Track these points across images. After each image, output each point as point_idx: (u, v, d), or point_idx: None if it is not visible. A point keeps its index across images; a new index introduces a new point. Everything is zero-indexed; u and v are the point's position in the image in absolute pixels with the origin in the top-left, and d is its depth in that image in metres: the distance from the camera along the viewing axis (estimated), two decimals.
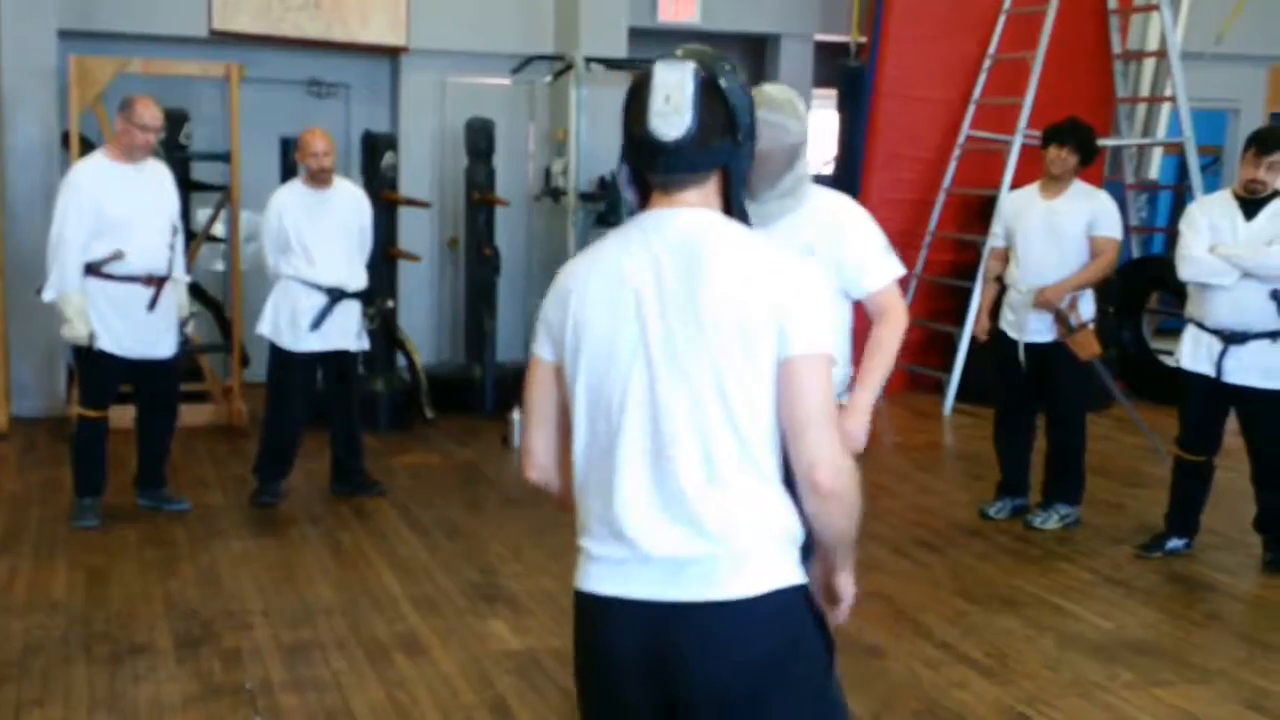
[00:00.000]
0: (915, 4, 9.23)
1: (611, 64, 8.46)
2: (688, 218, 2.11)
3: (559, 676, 4.25)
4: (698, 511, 2.04)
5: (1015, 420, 6.15)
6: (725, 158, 2.11)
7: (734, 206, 2.16)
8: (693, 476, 2.05)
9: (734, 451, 2.05)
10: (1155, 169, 10.02)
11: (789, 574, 2.09)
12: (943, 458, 7.92)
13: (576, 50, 8.42)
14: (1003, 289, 6.14)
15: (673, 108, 2.05)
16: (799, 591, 2.11)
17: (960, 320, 8.73)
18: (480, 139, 8.45)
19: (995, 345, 6.15)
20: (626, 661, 2.10)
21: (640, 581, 2.08)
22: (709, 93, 2.06)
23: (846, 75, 9.20)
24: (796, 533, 2.11)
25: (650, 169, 2.12)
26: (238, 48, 8.22)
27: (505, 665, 4.35)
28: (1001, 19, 9.27)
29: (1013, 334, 6.02)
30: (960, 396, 8.64)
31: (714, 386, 2.04)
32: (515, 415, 7.50)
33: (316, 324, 6.01)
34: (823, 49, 10.01)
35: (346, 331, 6.14)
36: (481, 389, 8.25)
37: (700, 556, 2.05)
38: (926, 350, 9.33)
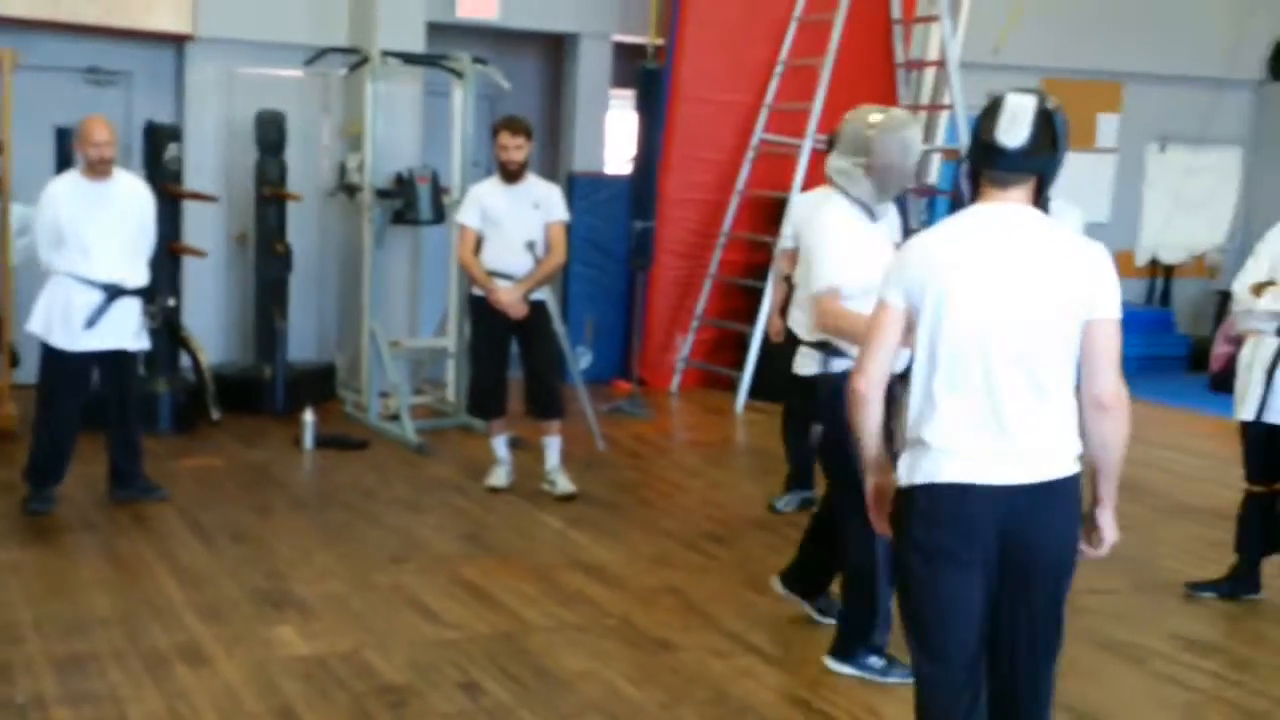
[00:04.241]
0: (711, 8, 9.41)
1: (409, 58, 8.36)
2: (1013, 209, 2.90)
3: (348, 680, 4.19)
4: (1030, 421, 2.85)
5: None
6: (1043, 166, 2.90)
7: (1041, 203, 2.94)
8: (1022, 397, 2.85)
9: (1045, 380, 2.85)
10: (935, 174, 10.45)
11: (1076, 465, 2.92)
12: (734, 453, 8.10)
13: (372, 43, 8.28)
14: (792, 288, 6.30)
15: (1018, 125, 2.85)
16: (1080, 476, 2.94)
17: (752, 319, 8.93)
18: (271, 132, 8.23)
19: (786, 343, 6.31)
20: (985, 529, 2.87)
21: (999, 467, 2.86)
22: (1043, 118, 2.86)
23: (644, 77, 9.30)
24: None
25: (990, 168, 2.90)
26: (11, 32, 7.80)
27: (292, 671, 4.25)
28: (793, 26, 9.52)
29: (800, 333, 6.17)
30: (752, 394, 8.83)
31: (1034, 334, 2.83)
32: (308, 416, 7.34)
33: (92, 322, 5.78)
34: (621, 50, 10.09)
35: (124, 330, 5.91)
36: (272, 389, 8.05)
37: (1031, 452, 2.85)
38: (719, 348, 9.51)
